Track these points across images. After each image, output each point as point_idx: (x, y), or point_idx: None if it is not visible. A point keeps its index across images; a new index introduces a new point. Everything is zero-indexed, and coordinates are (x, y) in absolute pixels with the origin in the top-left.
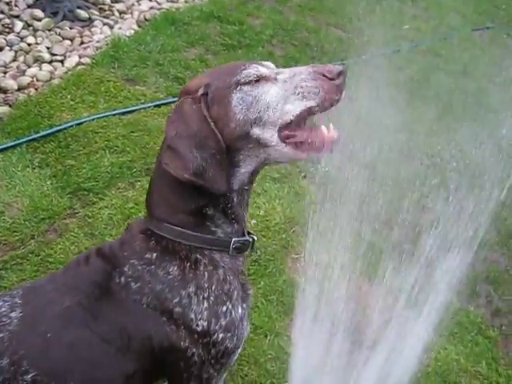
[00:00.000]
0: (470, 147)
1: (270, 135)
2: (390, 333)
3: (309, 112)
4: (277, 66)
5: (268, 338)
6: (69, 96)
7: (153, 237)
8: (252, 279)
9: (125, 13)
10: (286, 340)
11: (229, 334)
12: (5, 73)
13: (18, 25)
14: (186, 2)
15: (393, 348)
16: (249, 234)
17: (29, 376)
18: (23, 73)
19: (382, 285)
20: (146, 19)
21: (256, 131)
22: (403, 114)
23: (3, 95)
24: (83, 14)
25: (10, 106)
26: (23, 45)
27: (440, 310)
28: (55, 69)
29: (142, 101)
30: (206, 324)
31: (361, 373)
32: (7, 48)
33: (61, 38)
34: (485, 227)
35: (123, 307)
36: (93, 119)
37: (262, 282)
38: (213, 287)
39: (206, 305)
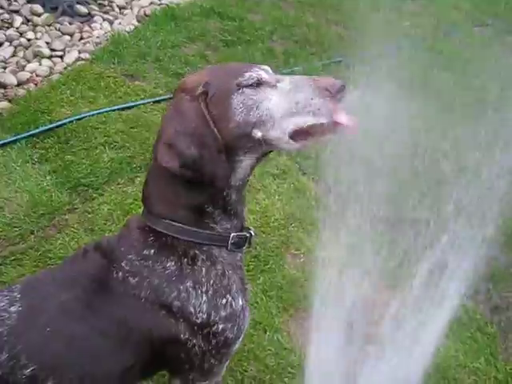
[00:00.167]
0: (470, 145)
1: (279, 136)
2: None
3: (318, 127)
4: (276, 66)
5: (267, 333)
6: (68, 91)
7: (151, 233)
8: (251, 275)
9: (125, 8)
10: (286, 336)
11: (229, 325)
12: (4, 68)
13: (18, 20)
14: None
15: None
16: (247, 228)
17: (27, 370)
18: (23, 68)
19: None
20: (145, 15)
21: (258, 133)
22: (403, 111)
23: (3, 90)
24: (83, 9)
25: (9, 101)
26: (23, 40)
27: (444, 308)
28: (55, 64)
29: (142, 96)
30: (205, 316)
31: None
32: (7, 43)
33: (60, 34)
34: (486, 225)
35: (122, 301)
36: (92, 115)
37: (262, 278)
38: (211, 281)
39: (204, 298)
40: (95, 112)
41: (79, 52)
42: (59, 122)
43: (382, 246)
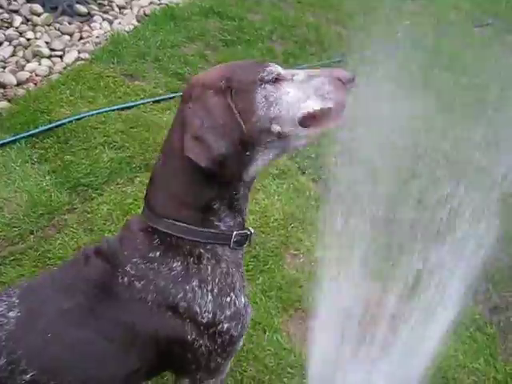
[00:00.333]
0: (470, 144)
1: (293, 127)
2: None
3: (326, 112)
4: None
5: (267, 333)
6: (68, 91)
7: (155, 234)
8: (251, 275)
9: (124, 8)
10: (285, 336)
11: (234, 323)
12: (4, 68)
13: (17, 20)
14: None
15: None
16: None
17: (27, 376)
18: (22, 68)
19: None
20: (145, 14)
21: (277, 127)
22: (402, 110)
23: (2, 90)
24: (82, 9)
25: (8, 101)
26: (22, 40)
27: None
28: (54, 64)
29: (142, 96)
30: (211, 316)
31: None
32: (6, 43)
33: (60, 33)
34: (486, 225)
35: (127, 306)
36: (92, 114)
37: (261, 278)
38: (216, 280)
39: (210, 297)
40: (95, 112)
41: (79, 52)
42: (59, 122)
43: (379, 246)
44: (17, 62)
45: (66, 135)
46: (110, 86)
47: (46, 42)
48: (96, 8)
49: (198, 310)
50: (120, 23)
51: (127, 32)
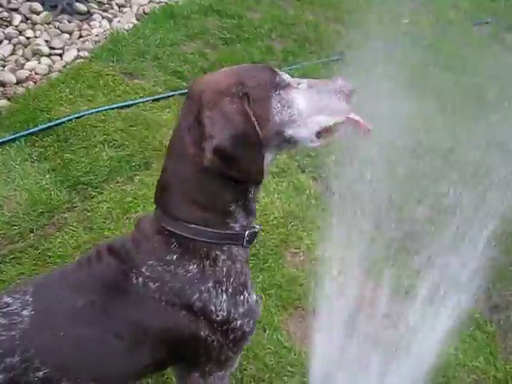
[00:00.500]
0: (470, 143)
1: (307, 135)
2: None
3: (338, 125)
4: (275, 65)
5: (267, 332)
6: (67, 90)
7: (173, 237)
8: (251, 273)
9: (124, 6)
10: (285, 334)
11: (246, 320)
12: (3, 66)
13: (17, 18)
14: None
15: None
16: None
17: (40, 373)
18: (22, 66)
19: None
20: (144, 13)
21: (289, 132)
22: (401, 109)
23: (2, 89)
24: (82, 7)
25: (8, 99)
26: (22, 38)
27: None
28: (54, 62)
29: (141, 95)
30: (225, 314)
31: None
32: (5, 41)
33: (59, 32)
34: (486, 224)
35: (141, 305)
36: (91, 113)
37: (261, 277)
38: (231, 280)
39: (224, 297)
40: (94, 110)
41: (78, 50)
42: (58, 121)
43: (380, 245)
44: (16, 61)
45: (66, 134)
46: (110, 85)
47: (46, 41)
48: (95, 6)
49: (213, 309)
50: (119, 21)
51: (127, 30)
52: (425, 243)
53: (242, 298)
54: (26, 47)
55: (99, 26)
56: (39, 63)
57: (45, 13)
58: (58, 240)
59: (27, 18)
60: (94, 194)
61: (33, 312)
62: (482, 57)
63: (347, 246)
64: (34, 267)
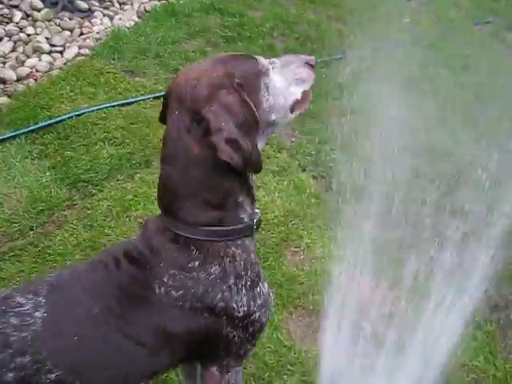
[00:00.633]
0: (471, 143)
1: (285, 114)
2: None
3: (305, 95)
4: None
5: (266, 330)
6: (68, 87)
7: (191, 244)
8: None
9: (125, 4)
10: (285, 333)
11: (263, 310)
12: (4, 63)
13: (17, 15)
14: None
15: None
16: None
17: (53, 375)
18: (22, 63)
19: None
20: (146, 10)
21: (273, 116)
22: (402, 108)
23: (2, 86)
24: (83, 4)
25: (8, 96)
26: (22, 35)
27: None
28: (54, 60)
29: (142, 92)
30: (246, 309)
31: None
32: (6, 38)
33: (60, 29)
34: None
35: (162, 312)
36: (92, 110)
37: None
38: (248, 273)
39: (244, 291)
40: (95, 108)
41: (79, 47)
42: (59, 118)
43: (383, 245)
44: (17, 58)
45: (66, 131)
46: (111, 82)
47: (47, 38)
48: (96, 4)
49: (235, 306)
50: (121, 19)
51: (128, 28)
52: (425, 243)
53: (258, 289)
54: (26, 44)
55: (100, 24)
56: (40, 60)
57: (45, 10)
58: (58, 238)
59: (28, 15)
60: (94, 191)
61: (45, 314)
62: (484, 56)
63: (347, 246)
64: (33, 265)
